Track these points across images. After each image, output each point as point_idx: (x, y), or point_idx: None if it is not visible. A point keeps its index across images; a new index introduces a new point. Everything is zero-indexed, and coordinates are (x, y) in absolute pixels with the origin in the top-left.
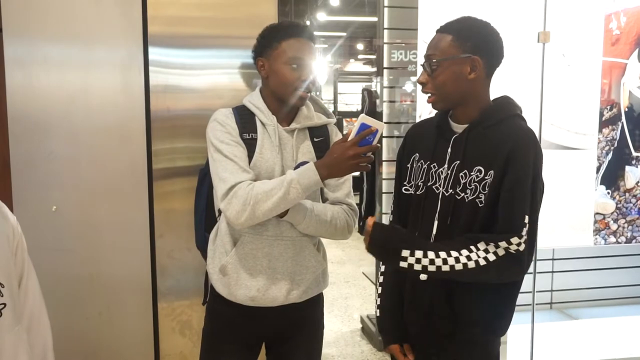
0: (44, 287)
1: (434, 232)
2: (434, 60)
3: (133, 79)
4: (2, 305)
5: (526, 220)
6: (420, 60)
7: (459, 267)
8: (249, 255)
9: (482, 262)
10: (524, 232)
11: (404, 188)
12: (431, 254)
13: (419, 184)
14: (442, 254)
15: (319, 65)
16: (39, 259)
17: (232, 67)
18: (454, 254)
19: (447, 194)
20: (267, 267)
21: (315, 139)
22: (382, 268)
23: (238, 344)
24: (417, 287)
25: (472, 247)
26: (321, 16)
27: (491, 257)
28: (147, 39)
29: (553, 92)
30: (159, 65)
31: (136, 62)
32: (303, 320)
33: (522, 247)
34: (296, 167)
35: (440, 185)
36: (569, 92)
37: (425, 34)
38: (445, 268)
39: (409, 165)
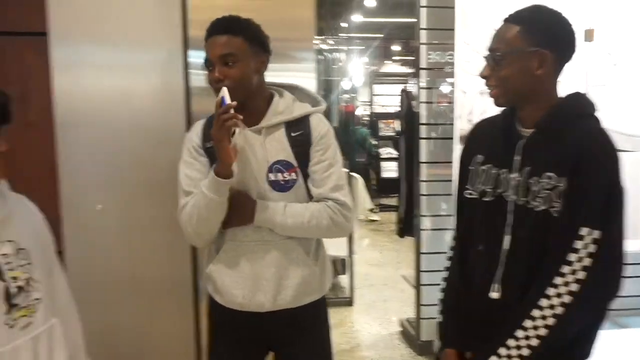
0: (87, 285)
1: (506, 247)
2: (498, 54)
3: (173, 81)
4: (37, 300)
5: (596, 235)
6: (459, 60)
7: (545, 332)
8: (231, 263)
9: (560, 311)
10: (593, 249)
11: (466, 192)
12: (512, 342)
13: (487, 189)
14: (520, 332)
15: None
16: (84, 258)
17: (271, 70)
18: (528, 323)
19: (519, 204)
20: (250, 272)
21: (293, 134)
22: (444, 273)
23: (238, 348)
24: (488, 305)
25: (543, 301)
26: (357, 18)
27: (567, 299)
28: (187, 42)
29: (598, 92)
30: (198, 67)
31: (176, 65)
32: (302, 326)
33: (595, 267)
34: (272, 166)
35: (511, 193)
36: (615, 92)
37: (463, 34)
38: (535, 342)
39: (472, 168)
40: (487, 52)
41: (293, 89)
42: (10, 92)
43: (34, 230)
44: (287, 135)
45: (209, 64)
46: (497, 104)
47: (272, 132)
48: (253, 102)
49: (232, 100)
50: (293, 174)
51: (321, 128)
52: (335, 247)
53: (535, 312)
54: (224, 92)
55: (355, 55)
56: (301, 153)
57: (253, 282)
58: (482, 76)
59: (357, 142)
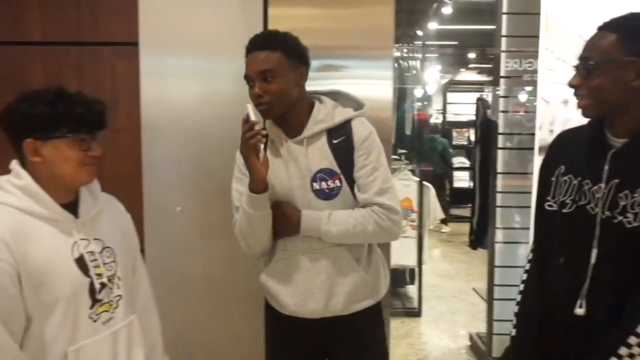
0: (164, 284)
1: (592, 261)
2: (590, 62)
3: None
4: (119, 297)
5: None
6: (541, 68)
7: None
8: (283, 272)
9: None
10: None
11: (547, 204)
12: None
13: (567, 201)
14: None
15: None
16: (163, 257)
17: (350, 77)
18: (624, 350)
19: (603, 217)
20: (301, 281)
21: (335, 140)
22: (521, 286)
23: (293, 352)
24: (571, 321)
25: None
26: (433, 25)
27: None
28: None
29: None
30: None
31: None
32: (355, 333)
33: None
34: (315, 175)
35: (595, 205)
36: None
37: (546, 42)
38: None
39: (553, 179)
40: (577, 61)
41: (335, 94)
42: (105, 101)
43: (121, 230)
44: (329, 142)
45: (249, 80)
46: (586, 114)
47: (314, 141)
48: (294, 113)
49: (269, 115)
50: (337, 181)
51: (362, 132)
52: (404, 256)
53: (632, 340)
54: (249, 109)
55: (429, 63)
56: (344, 159)
57: (304, 290)
58: (571, 85)
59: (435, 151)
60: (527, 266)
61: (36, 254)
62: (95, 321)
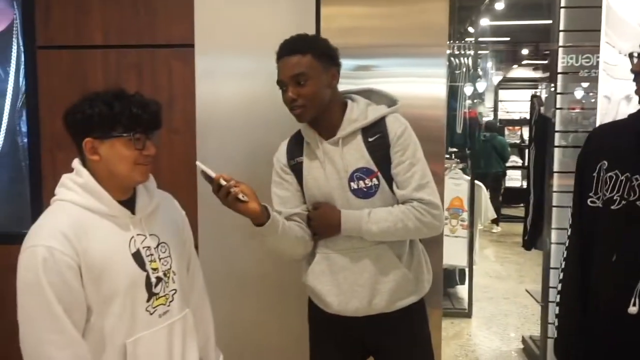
0: (217, 280)
1: None
2: None
3: None
4: (174, 291)
5: None
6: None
7: None
8: (325, 272)
9: None
10: None
11: (589, 200)
12: None
13: (615, 197)
14: None
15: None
16: (217, 256)
17: (403, 76)
18: None
19: None
20: (344, 280)
21: (370, 139)
22: (559, 286)
23: (337, 350)
24: (624, 321)
25: None
26: (484, 22)
27: None
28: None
29: None
30: None
31: None
32: (400, 330)
33: None
34: (352, 175)
35: None
36: None
37: (609, 35)
38: None
39: (594, 175)
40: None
41: (368, 92)
42: (160, 101)
43: (176, 226)
44: (364, 141)
45: (281, 85)
46: None
47: (349, 140)
48: (328, 115)
49: (304, 119)
50: (374, 179)
51: (397, 128)
52: (454, 256)
53: None
54: (201, 166)
55: (481, 60)
56: (381, 157)
57: (347, 289)
58: (633, 71)
59: (494, 150)
60: (564, 264)
61: (96, 248)
62: (151, 314)
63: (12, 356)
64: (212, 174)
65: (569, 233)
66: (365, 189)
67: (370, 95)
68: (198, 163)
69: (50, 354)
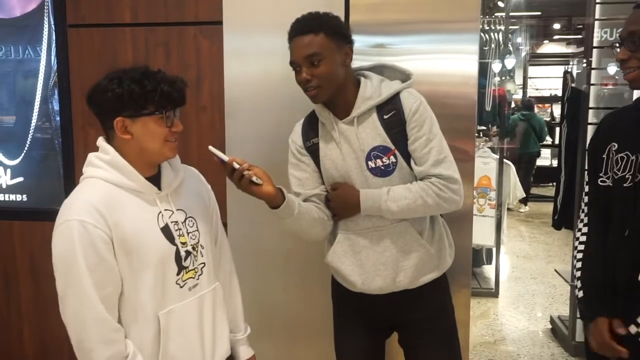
0: (245, 257)
1: None
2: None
3: None
4: (203, 264)
5: None
6: None
7: None
8: (347, 252)
9: None
10: None
11: (599, 180)
12: None
13: (627, 176)
14: None
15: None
16: (244, 232)
17: (433, 52)
18: None
19: None
20: (366, 260)
21: (385, 116)
22: (579, 255)
23: (361, 326)
24: (634, 287)
25: None
26: None
27: None
28: (348, 26)
29: None
30: (359, 53)
31: None
32: (424, 304)
33: None
34: (369, 154)
35: None
36: None
37: None
38: None
39: (604, 156)
40: (622, 37)
41: (381, 67)
42: (187, 79)
43: (202, 200)
44: (380, 118)
45: (295, 66)
46: (635, 87)
47: (365, 119)
48: (342, 94)
49: (319, 99)
50: (392, 157)
51: (412, 103)
52: (481, 236)
53: None
54: (213, 150)
55: (512, 35)
56: (397, 134)
57: (370, 268)
58: (619, 59)
59: (533, 129)
60: (581, 237)
61: (126, 222)
62: (182, 287)
63: (51, 327)
64: (225, 158)
65: (585, 211)
66: (382, 167)
67: (382, 70)
68: (211, 148)
69: (90, 326)
